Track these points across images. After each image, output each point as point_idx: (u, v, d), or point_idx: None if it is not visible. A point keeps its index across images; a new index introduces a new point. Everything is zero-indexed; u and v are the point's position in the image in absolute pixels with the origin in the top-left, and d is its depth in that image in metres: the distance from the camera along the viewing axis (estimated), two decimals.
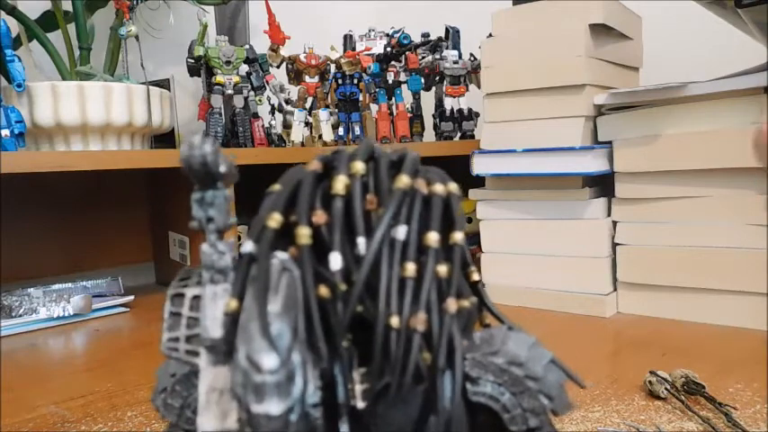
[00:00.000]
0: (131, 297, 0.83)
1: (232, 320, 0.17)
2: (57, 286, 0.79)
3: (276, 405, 0.15)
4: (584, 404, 0.44)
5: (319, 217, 0.18)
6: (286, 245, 0.18)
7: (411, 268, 0.18)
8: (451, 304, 0.18)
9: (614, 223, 0.70)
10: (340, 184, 0.18)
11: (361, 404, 0.18)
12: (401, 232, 0.18)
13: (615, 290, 0.70)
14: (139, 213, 1.02)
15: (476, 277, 0.21)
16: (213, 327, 0.18)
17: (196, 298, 0.20)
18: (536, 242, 0.74)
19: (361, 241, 0.18)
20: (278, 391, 0.15)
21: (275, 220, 0.18)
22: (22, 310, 0.75)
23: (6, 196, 0.86)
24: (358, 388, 0.18)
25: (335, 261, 0.18)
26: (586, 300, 0.69)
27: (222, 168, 0.18)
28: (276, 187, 0.19)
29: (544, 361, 0.19)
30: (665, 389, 0.44)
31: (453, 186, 0.20)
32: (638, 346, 0.58)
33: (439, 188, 0.19)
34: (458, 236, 0.19)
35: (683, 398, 0.43)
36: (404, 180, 0.18)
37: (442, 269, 0.18)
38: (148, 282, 1.01)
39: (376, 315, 0.17)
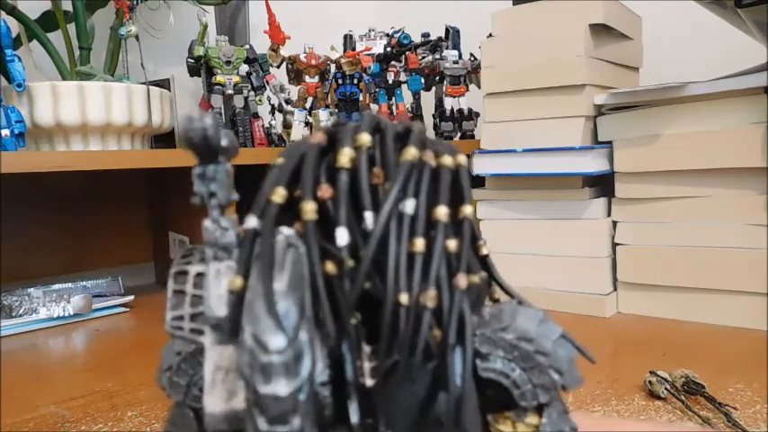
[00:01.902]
0: (131, 297, 0.83)
1: (237, 298, 0.17)
2: (57, 286, 0.79)
3: (284, 386, 0.15)
4: (584, 404, 0.44)
5: (324, 191, 0.17)
6: (290, 220, 0.18)
7: (420, 243, 0.17)
8: (462, 280, 0.17)
9: (614, 223, 0.70)
10: (345, 157, 0.18)
11: (369, 382, 0.18)
12: (409, 206, 0.17)
13: (615, 290, 0.70)
14: (139, 213, 1.02)
15: (485, 251, 0.20)
16: (218, 305, 0.18)
17: (200, 275, 0.19)
18: (536, 242, 0.74)
19: (368, 216, 0.17)
20: (286, 372, 0.15)
21: (279, 195, 0.17)
22: (22, 310, 0.75)
23: (6, 196, 0.86)
24: (366, 366, 0.18)
25: (342, 236, 0.17)
26: (586, 300, 0.69)
27: (224, 142, 0.17)
28: (279, 161, 0.18)
29: (554, 336, 0.19)
30: (665, 389, 0.44)
31: (462, 159, 0.19)
32: (638, 346, 0.58)
33: (447, 160, 0.18)
34: (467, 209, 0.18)
35: (683, 398, 0.43)
36: (411, 152, 0.18)
37: (452, 244, 0.18)
38: (148, 282, 1.01)
39: (384, 292, 0.17)
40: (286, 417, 0.15)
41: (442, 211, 0.18)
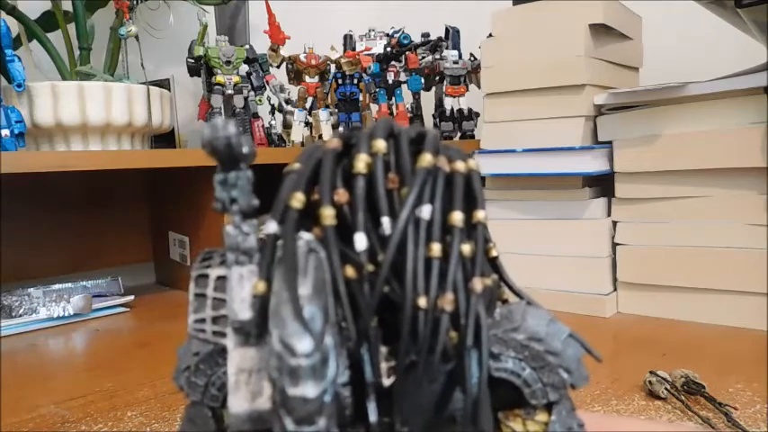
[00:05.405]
0: (131, 297, 0.83)
1: (262, 302, 0.17)
2: (57, 286, 0.79)
3: (312, 388, 0.16)
4: (584, 404, 0.44)
5: (341, 196, 0.18)
6: (307, 224, 0.18)
7: (437, 248, 0.18)
8: (477, 284, 0.18)
9: (614, 223, 0.70)
10: (361, 163, 0.18)
11: (386, 382, 0.18)
12: (426, 212, 0.18)
13: (615, 290, 0.70)
14: (139, 213, 1.02)
15: (494, 253, 0.21)
16: (242, 309, 0.18)
17: (220, 278, 0.20)
18: (536, 242, 0.74)
19: (385, 221, 0.18)
20: (313, 374, 0.16)
21: (298, 200, 0.18)
22: (22, 310, 0.75)
23: (6, 196, 0.86)
24: (383, 366, 0.18)
25: (360, 241, 0.18)
26: (586, 300, 0.69)
27: (245, 149, 0.18)
28: (296, 166, 0.19)
29: (562, 336, 0.20)
30: (665, 389, 0.44)
31: (474, 163, 0.20)
32: (638, 346, 0.58)
33: (460, 165, 0.19)
34: (480, 214, 0.19)
35: (683, 398, 0.43)
36: (427, 158, 0.18)
37: (467, 248, 0.18)
38: (148, 282, 1.01)
39: (403, 296, 0.17)
40: (312, 417, 0.16)
41: (457, 217, 0.18)
